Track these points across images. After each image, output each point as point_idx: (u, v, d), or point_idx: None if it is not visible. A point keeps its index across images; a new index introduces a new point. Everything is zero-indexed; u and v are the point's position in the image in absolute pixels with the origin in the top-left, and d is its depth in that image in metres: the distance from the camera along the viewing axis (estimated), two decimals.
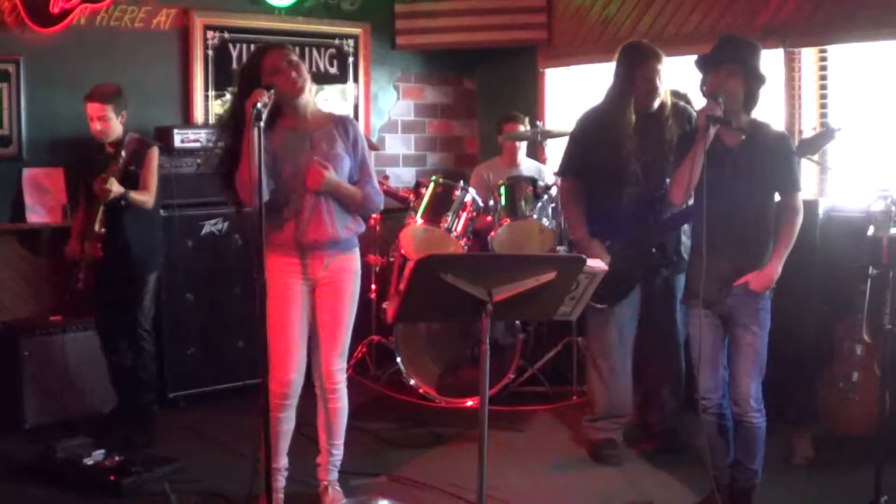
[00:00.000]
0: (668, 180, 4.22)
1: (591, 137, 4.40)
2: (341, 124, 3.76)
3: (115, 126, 4.65)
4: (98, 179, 4.48)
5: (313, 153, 3.64)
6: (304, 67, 3.69)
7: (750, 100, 3.60)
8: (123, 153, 4.56)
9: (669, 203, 3.92)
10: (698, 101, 3.94)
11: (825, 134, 4.10)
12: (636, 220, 4.30)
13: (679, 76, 5.33)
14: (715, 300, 3.61)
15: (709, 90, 3.59)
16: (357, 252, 3.85)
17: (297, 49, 6.05)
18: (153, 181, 4.73)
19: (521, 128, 6.01)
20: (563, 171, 4.58)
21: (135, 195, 4.61)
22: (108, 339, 4.83)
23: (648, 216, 4.30)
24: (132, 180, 4.63)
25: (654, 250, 4.31)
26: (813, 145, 4.40)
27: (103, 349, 4.85)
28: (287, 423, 3.76)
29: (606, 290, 4.24)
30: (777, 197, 3.69)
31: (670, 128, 4.32)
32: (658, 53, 4.32)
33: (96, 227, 4.54)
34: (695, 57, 3.74)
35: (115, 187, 4.49)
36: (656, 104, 4.32)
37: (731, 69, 3.55)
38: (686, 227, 4.30)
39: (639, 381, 4.65)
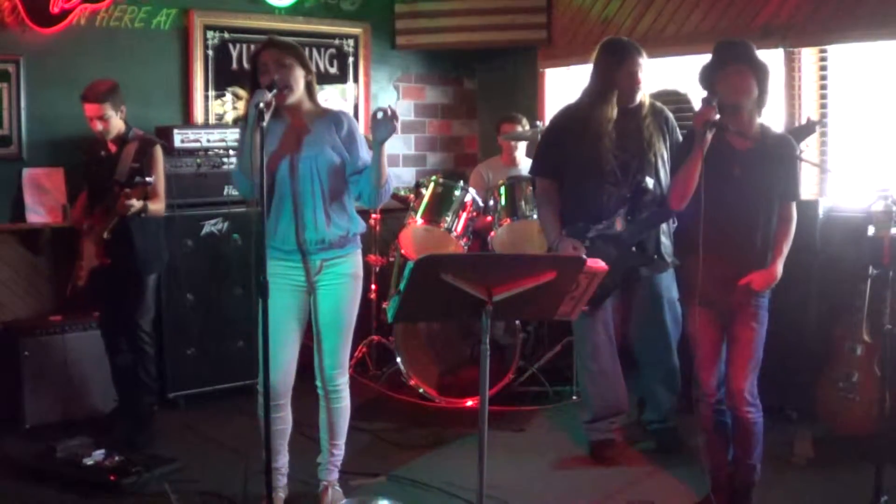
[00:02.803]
0: (646, 178, 4.21)
1: (569, 136, 4.34)
2: (334, 120, 3.69)
3: (115, 123, 4.62)
4: (122, 196, 4.39)
5: (301, 153, 3.61)
6: (299, 70, 3.61)
7: (763, 95, 3.58)
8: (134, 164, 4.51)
9: (669, 208, 3.85)
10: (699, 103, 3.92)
11: (806, 127, 4.09)
12: (616, 218, 4.27)
13: (679, 76, 5.35)
14: (717, 299, 3.61)
15: (720, 92, 3.54)
16: (356, 253, 3.78)
17: None
18: (162, 185, 4.69)
19: (520, 128, 6.01)
20: (536, 172, 4.53)
21: (152, 206, 4.56)
22: (110, 339, 4.84)
23: (627, 214, 4.27)
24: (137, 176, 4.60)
25: (633, 248, 4.29)
26: (794, 138, 4.40)
27: (107, 349, 4.85)
28: (280, 423, 3.74)
29: None
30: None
31: (648, 126, 4.30)
32: (639, 48, 4.31)
33: (105, 235, 4.51)
34: (694, 57, 3.73)
35: (137, 203, 4.44)
36: (638, 99, 4.31)
37: (739, 69, 3.54)
38: (664, 226, 4.30)
39: (634, 381, 4.65)
